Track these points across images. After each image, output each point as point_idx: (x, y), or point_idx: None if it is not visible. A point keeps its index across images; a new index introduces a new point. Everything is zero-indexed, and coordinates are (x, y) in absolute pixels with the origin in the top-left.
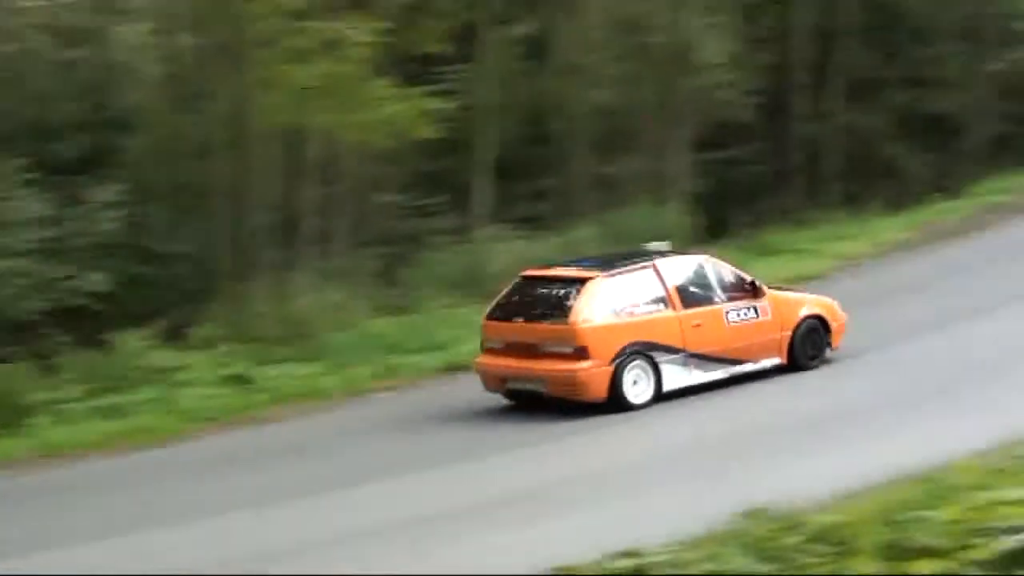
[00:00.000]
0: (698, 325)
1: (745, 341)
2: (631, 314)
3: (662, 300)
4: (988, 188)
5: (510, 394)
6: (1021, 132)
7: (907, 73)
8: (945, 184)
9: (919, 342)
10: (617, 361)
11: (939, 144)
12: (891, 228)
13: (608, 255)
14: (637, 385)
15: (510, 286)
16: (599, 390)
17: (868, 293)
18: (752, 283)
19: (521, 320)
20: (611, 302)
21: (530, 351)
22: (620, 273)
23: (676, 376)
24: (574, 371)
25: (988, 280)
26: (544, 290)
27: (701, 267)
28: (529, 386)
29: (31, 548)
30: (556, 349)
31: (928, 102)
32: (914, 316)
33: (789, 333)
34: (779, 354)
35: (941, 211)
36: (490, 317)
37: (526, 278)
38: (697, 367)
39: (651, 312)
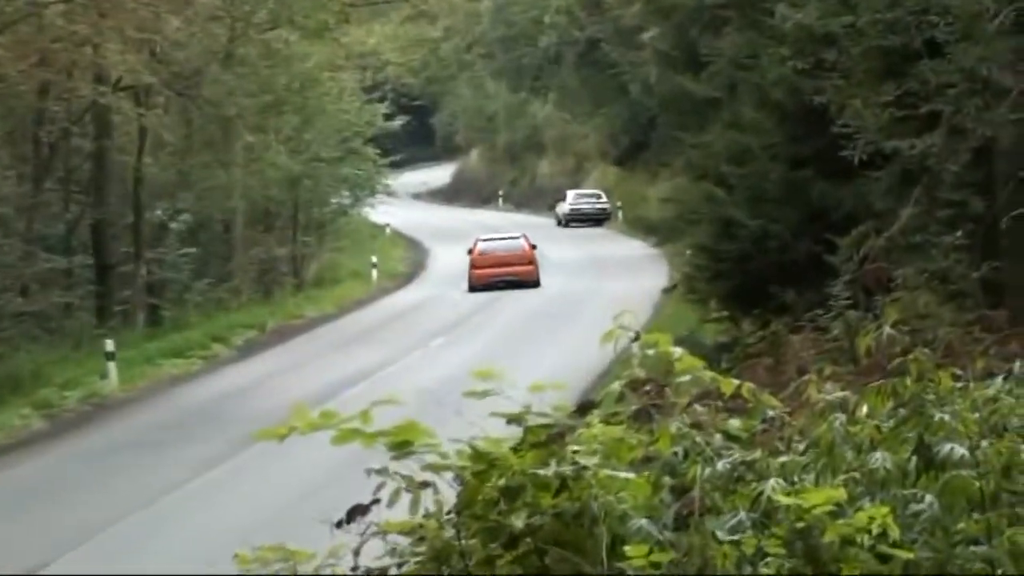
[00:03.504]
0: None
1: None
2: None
3: (530, 246)
4: None
5: (491, 286)
6: None
7: None
8: None
9: None
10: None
11: None
12: None
13: (501, 233)
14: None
15: (475, 242)
16: (537, 278)
17: None
18: (534, 245)
19: (501, 252)
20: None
21: (507, 264)
22: (524, 235)
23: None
24: (531, 271)
25: None
26: (501, 242)
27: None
28: (508, 279)
29: None
30: (519, 262)
31: None
32: None
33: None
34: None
35: None
36: (480, 253)
37: (481, 240)
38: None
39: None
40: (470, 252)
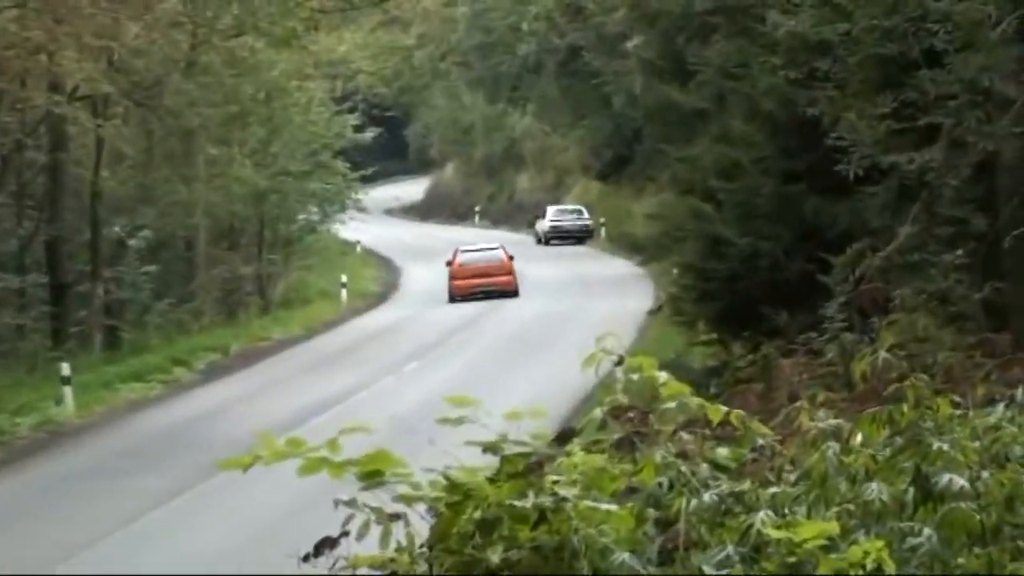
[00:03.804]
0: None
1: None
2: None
3: (508, 257)
4: None
5: (471, 296)
6: None
7: None
8: None
9: None
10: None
11: None
12: None
13: (480, 245)
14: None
15: (455, 253)
16: (516, 288)
17: None
18: (511, 256)
19: (481, 263)
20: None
21: (487, 275)
22: (502, 246)
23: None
24: (510, 280)
25: None
26: (480, 253)
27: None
28: (488, 289)
29: None
30: (499, 272)
31: None
32: None
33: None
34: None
35: None
36: (461, 264)
37: (461, 250)
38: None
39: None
40: (449, 264)
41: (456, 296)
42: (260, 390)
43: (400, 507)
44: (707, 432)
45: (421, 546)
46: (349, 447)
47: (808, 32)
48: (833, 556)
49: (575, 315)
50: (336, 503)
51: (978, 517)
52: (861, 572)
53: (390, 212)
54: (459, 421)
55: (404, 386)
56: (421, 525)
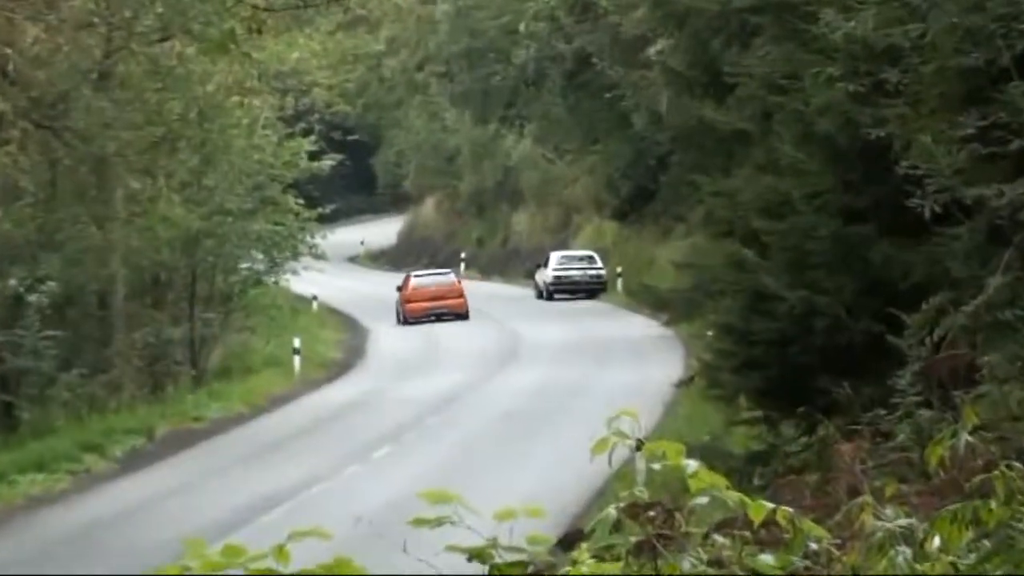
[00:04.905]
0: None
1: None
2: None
3: (458, 280)
4: None
5: (423, 319)
6: None
7: None
8: None
9: None
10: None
11: None
12: None
13: (434, 270)
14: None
15: (407, 278)
16: (466, 310)
17: None
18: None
19: (434, 287)
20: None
21: (440, 298)
22: (453, 271)
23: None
24: (461, 303)
25: None
26: (432, 278)
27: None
28: (441, 311)
29: None
30: (451, 295)
31: None
32: None
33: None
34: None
35: None
36: (415, 288)
37: (414, 275)
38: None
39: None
40: (400, 289)
41: (408, 318)
42: (192, 483)
43: None
44: (748, 534)
45: None
46: (302, 555)
47: (872, 35)
48: None
49: (585, 388)
50: None
51: None
52: None
53: (354, 260)
54: (439, 522)
55: (372, 477)
56: None
